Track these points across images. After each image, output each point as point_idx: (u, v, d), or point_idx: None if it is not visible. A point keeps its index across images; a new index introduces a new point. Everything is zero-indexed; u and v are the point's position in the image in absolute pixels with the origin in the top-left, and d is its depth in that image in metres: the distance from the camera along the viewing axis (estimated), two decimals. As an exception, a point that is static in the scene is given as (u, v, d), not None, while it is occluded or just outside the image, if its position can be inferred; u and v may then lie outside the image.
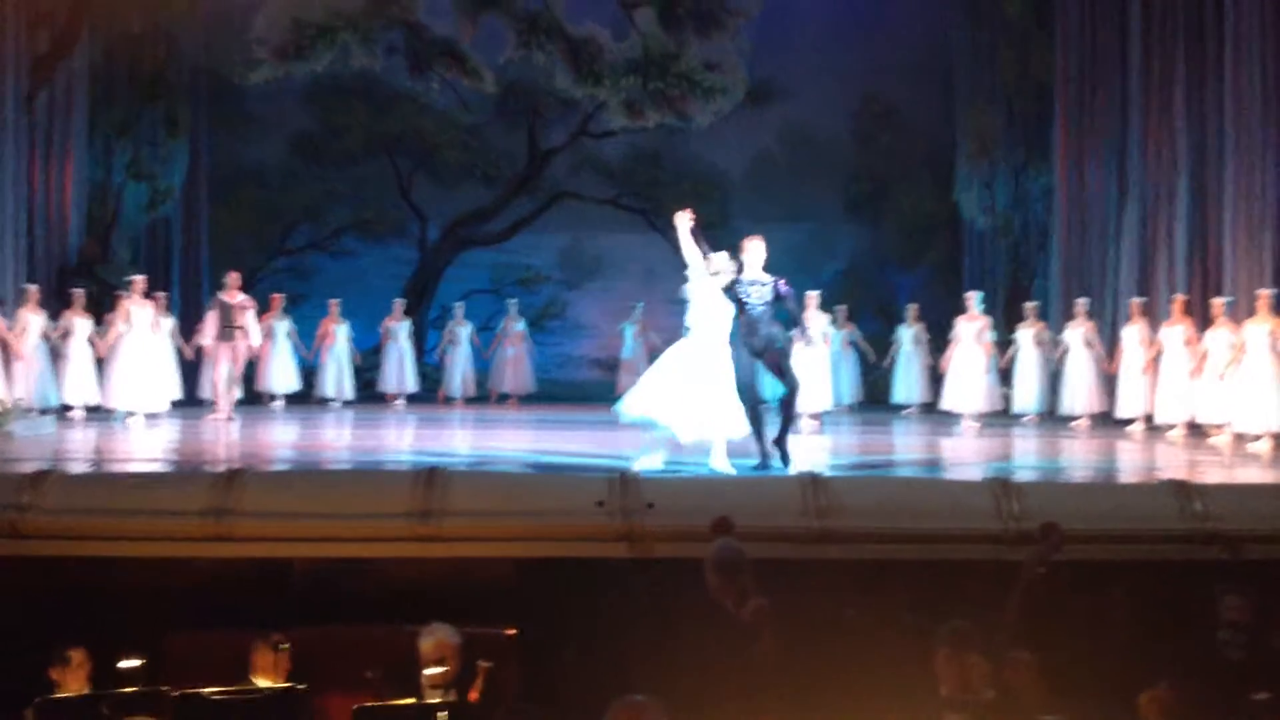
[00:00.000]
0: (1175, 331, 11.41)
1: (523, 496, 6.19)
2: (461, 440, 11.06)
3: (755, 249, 7.83)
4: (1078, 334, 12.66)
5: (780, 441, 7.83)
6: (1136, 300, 12.23)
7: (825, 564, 6.02)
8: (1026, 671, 4.91)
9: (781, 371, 7.83)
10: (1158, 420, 11.51)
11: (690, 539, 5.58)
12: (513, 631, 5.53)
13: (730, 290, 7.71)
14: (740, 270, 7.79)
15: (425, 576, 5.86)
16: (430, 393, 15.52)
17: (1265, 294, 10.33)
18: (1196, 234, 12.18)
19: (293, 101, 17.03)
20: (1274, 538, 6.06)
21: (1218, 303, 11.00)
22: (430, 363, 16.07)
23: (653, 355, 15.66)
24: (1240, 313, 10.82)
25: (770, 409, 8.30)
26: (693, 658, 5.06)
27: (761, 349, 7.72)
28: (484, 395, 15.59)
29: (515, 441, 10.61)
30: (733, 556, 5.20)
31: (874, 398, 14.78)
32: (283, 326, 14.64)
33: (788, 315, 8.14)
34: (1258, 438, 10.00)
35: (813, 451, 10.00)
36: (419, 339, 15.91)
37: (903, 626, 5.54)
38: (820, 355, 12.56)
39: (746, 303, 7.71)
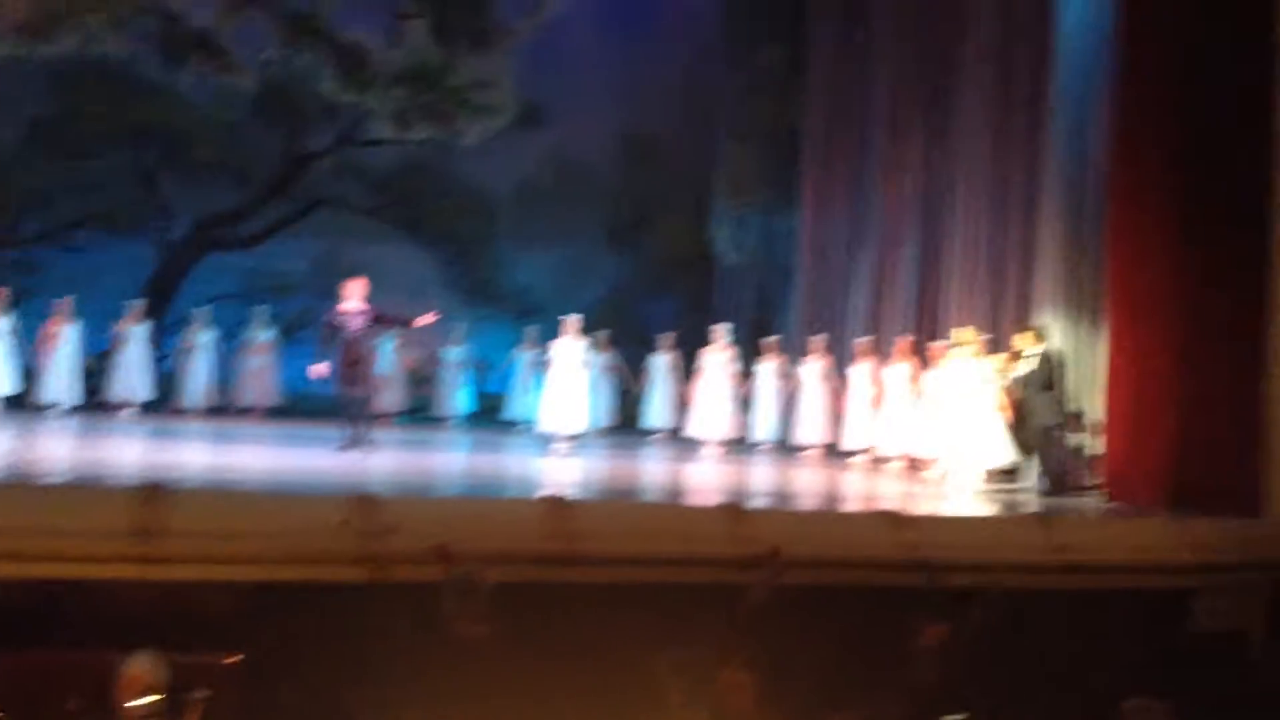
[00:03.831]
0: (899, 370, 12.23)
1: (256, 516, 5.98)
2: (196, 454, 10.54)
3: (353, 287, 10.35)
4: (815, 368, 13.37)
5: (353, 433, 10.22)
6: (862, 340, 13.02)
7: (567, 587, 6.13)
8: (746, 693, 5.16)
9: (357, 380, 10.25)
10: (880, 453, 12.30)
11: (431, 562, 5.57)
12: (235, 659, 5.33)
13: (332, 316, 10.21)
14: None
15: (146, 600, 5.57)
16: (166, 402, 14.71)
17: (981, 338, 11.15)
18: (922, 280, 13.10)
19: (33, 83, 15.82)
20: (975, 566, 6.59)
21: (938, 345, 11.88)
22: (168, 370, 15.24)
23: (412, 372, 15.55)
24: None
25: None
26: (425, 684, 5.05)
27: (355, 360, 10.16)
28: (226, 406, 14.92)
29: (255, 457, 10.21)
30: (470, 582, 5.24)
31: (626, 423, 15.12)
32: (4, 324, 13.56)
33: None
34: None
35: (563, 473, 10.14)
36: (157, 345, 15.05)
37: (640, 649, 5.71)
38: (579, 379, 12.76)
39: (344, 328, 10.12)
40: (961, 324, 11.66)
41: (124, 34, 15.97)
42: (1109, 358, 9.70)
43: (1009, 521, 8.12)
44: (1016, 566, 6.79)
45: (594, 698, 5.46)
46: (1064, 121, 10.72)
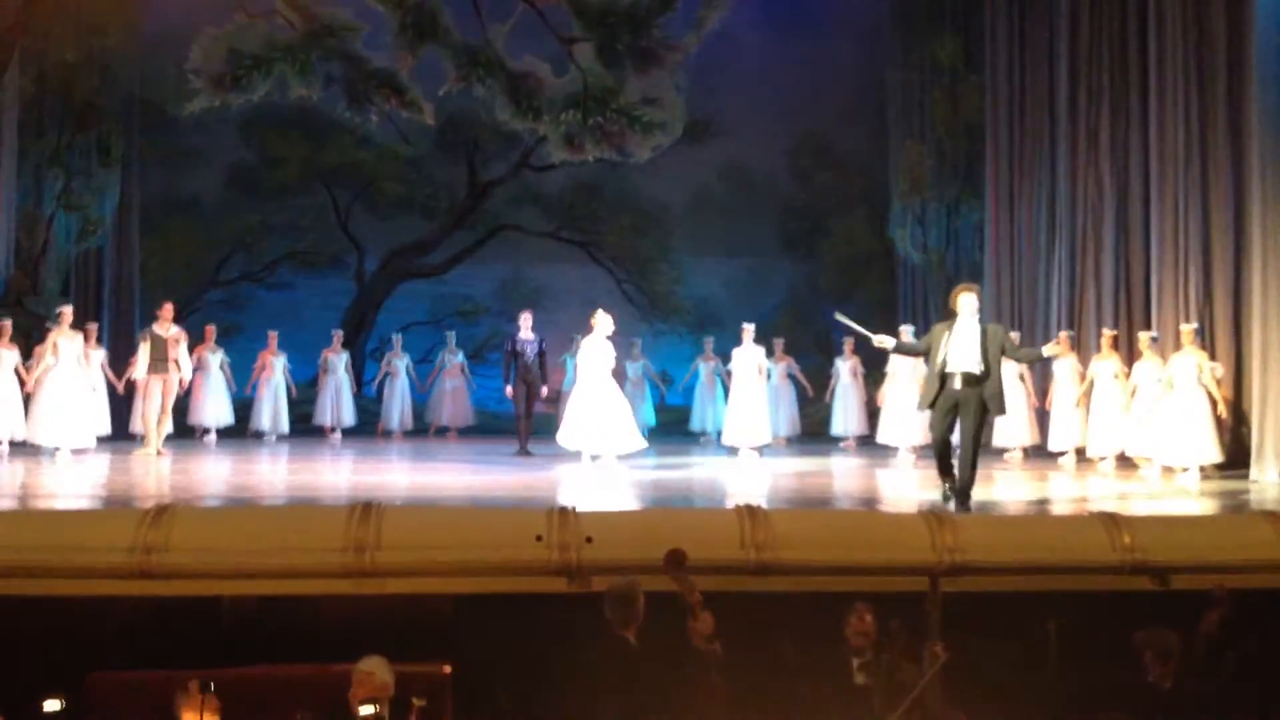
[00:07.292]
0: (1105, 365, 11.64)
1: (460, 530, 6.11)
2: (399, 474, 10.94)
3: (525, 320, 12.61)
4: (1009, 367, 12.85)
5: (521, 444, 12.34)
6: (1065, 334, 12.45)
7: (763, 597, 6.03)
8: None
9: (534, 396, 12.56)
10: (1089, 452, 11.71)
11: (629, 572, 5.56)
12: (448, 668, 5.45)
13: (513, 344, 12.47)
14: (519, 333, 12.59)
15: (360, 613, 5.76)
16: (368, 426, 15.37)
17: (1188, 329, 10.61)
18: (1122, 271, 12.47)
19: (229, 131, 16.85)
20: (1200, 568, 6.17)
21: (1143, 337, 11.27)
22: (368, 395, 15.93)
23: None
24: (1166, 347, 11.10)
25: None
26: (631, 693, 5.04)
27: (531, 380, 12.37)
28: (423, 428, 15.47)
29: (453, 475, 10.51)
30: (626, 591, 5.27)
31: (812, 430, 14.89)
32: (215, 359, 14.43)
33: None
34: (1185, 470, 10.22)
35: (752, 483, 10.04)
36: (357, 371, 15.78)
37: (837, 660, 5.56)
38: (758, 388, 12.65)
39: (524, 353, 12.35)
40: (1166, 314, 11.05)
41: (311, 79, 16.79)
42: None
43: (1235, 520, 7.56)
44: (1248, 566, 6.30)
45: (795, 709, 5.34)
46: (1269, 97, 9.98)
